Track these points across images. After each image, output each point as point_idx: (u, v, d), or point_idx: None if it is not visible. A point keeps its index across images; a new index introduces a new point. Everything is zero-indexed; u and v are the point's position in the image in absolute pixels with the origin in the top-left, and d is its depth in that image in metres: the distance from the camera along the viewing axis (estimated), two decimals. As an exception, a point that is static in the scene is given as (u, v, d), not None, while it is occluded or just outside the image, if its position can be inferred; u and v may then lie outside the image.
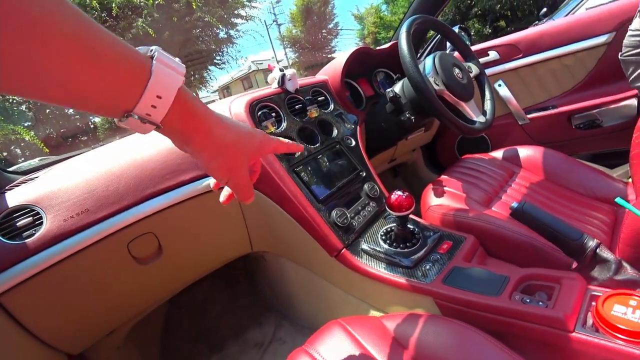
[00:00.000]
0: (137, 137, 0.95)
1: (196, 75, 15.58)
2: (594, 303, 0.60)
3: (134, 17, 11.82)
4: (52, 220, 0.71)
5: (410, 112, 1.09)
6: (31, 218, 0.71)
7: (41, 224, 0.71)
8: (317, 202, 0.86)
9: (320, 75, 1.25)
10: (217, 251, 0.99)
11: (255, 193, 0.88)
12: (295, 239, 0.90)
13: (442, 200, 1.07)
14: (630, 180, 1.14)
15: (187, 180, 0.84)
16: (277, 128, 0.94)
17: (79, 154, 1.05)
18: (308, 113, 1.03)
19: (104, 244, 0.74)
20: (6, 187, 0.81)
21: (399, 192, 0.76)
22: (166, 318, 1.30)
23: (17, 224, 0.70)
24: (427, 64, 1.03)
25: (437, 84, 0.99)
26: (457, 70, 1.06)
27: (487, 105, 1.16)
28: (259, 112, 0.92)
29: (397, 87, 1.15)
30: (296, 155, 0.92)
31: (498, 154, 1.34)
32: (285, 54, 26.36)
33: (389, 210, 0.77)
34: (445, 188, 1.12)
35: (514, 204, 0.74)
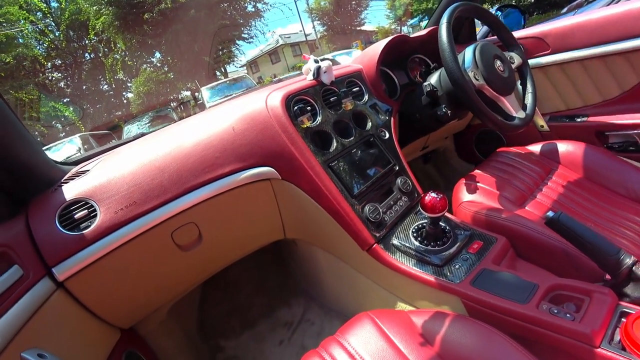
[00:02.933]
0: (176, 130, 1.00)
1: (224, 50, 15.60)
2: (623, 320, 0.60)
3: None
4: (104, 212, 0.78)
5: (446, 105, 1.07)
6: (87, 210, 0.78)
7: (95, 215, 0.78)
8: (350, 197, 0.88)
9: (355, 64, 1.24)
10: (252, 238, 1.05)
11: (291, 186, 0.92)
12: (327, 231, 0.93)
13: (475, 197, 1.06)
14: None
15: (225, 173, 0.88)
16: (313, 122, 0.95)
17: (121, 144, 1.12)
18: (343, 105, 1.04)
19: (150, 233, 0.81)
20: (62, 180, 0.88)
21: (433, 194, 0.76)
22: (202, 296, 1.39)
23: (75, 216, 0.77)
24: (467, 56, 0.99)
25: (476, 79, 0.96)
26: (498, 63, 1.03)
27: (529, 99, 1.11)
28: (295, 107, 0.94)
29: (434, 79, 1.13)
30: (331, 150, 0.94)
31: (535, 148, 1.29)
32: (314, 26, 25.79)
33: (422, 210, 0.78)
34: (478, 184, 1.11)
35: (550, 214, 0.73)
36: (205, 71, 15.80)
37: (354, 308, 1.09)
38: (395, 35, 1.17)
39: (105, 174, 0.84)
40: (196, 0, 12.44)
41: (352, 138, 1.00)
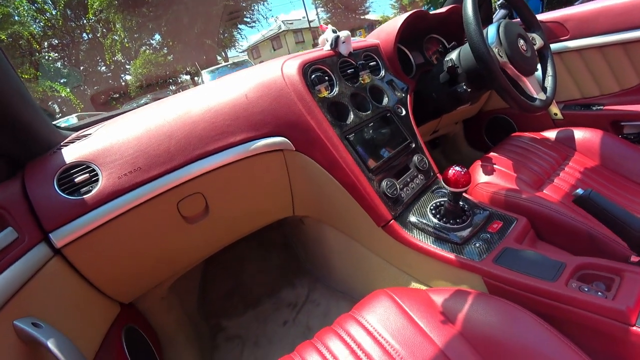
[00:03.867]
0: (185, 96, 0.95)
1: (225, 35, 15.36)
2: None
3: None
4: (107, 177, 0.73)
5: (466, 83, 1.03)
6: (88, 175, 0.73)
7: (97, 180, 0.73)
8: (367, 171, 0.85)
9: (372, 39, 1.19)
10: (260, 214, 1.01)
11: (305, 158, 0.88)
12: (341, 207, 0.90)
13: (491, 179, 1.03)
14: None
15: (236, 142, 0.84)
16: (330, 93, 0.91)
17: (126, 111, 1.07)
18: (360, 78, 0.99)
19: (155, 202, 0.76)
20: (61, 143, 0.83)
21: (458, 168, 0.73)
22: (204, 273, 1.36)
23: (75, 180, 0.73)
24: (491, 33, 0.95)
25: (500, 56, 0.92)
26: (522, 42, 0.98)
27: (549, 82, 1.08)
28: (312, 76, 0.89)
29: (453, 55, 1.08)
30: (348, 122, 0.90)
31: (551, 134, 1.26)
32: (317, 13, 25.46)
33: (444, 184, 0.75)
34: (495, 166, 1.08)
35: (580, 191, 0.70)
36: (206, 54, 15.55)
37: (362, 289, 1.07)
38: (414, 10, 1.12)
39: (108, 138, 0.79)
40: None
41: (369, 112, 0.96)
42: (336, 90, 0.93)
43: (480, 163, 1.10)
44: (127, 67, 17.54)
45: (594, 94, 1.39)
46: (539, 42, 1.09)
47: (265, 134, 0.86)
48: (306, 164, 0.88)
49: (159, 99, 1.12)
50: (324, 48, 1.01)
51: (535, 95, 0.99)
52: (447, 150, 1.95)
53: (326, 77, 0.92)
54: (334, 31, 0.98)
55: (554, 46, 1.33)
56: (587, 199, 0.69)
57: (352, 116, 0.92)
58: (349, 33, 0.98)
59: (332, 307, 1.12)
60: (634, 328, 0.54)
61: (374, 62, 1.10)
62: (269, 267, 1.38)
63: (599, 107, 1.37)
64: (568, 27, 1.31)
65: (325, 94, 0.89)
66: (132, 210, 0.74)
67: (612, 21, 1.22)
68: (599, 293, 0.60)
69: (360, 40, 1.18)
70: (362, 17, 26.16)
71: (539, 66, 1.12)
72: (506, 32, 0.95)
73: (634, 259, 0.71)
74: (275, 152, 0.87)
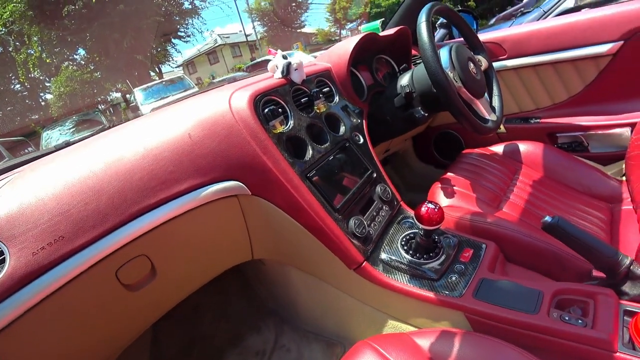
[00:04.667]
0: (114, 138, 0.81)
1: (159, 49, 14.63)
2: (627, 318, 0.61)
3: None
4: (17, 255, 0.58)
5: (422, 107, 1.02)
6: None
7: (3, 261, 0.57)
8: (333, 212, 0.78)
9: (322, 62, 1.14)
10: (214, 263, 0.90)
11: (263, 203, 0.79)
12: (307, 251, 0.83)
13: (453, 201, 1.03)
14: (624, 178, 1.15)
15: (182, 191, 0.72)
16: (285, 127, 0.83)
17: (38, 156, 0.88)
18: (315, 107, 0.93)
19: (86, 276, 0.62)
20: None
21: (430, 205, 0.70)
22: (154, 330, 1.19)
23: None
24: (444, 57, 0.95)
25: (455, 80, 0.92)
26: (472, 65, 1.00)
27: (496, 102, 1.11)
28: (265, 109, 0.81)
29: (405, 80, 1.08)
30: (307, 158, 0.83)
31: (498, 149, 1.32)
32: (254, 27, 25.37)
33: (417, 223, 0.71)
34: (454, 187, 1.08)
35: (548, 219, 0.71)
36: (138, 70, 14.62)
37: (334, 329, 1.00)
38: (365, 33, 1.10)
39: (16, 201, 0.63)
40: (125, -7, 11.43)
41: (327, 144, 0.90)
42: (291, 123, 0.85)
43: (439, 185, 1.10)
44: (47, 84, 15.92)
45: (530, 108, 1.50)
46: (484, 63, 1.12)
47: (215, 178, 0.75)
48: (265, 208, 0.80)
49: (87, 120, 0.95)
50: (275, 75, 0.93)
51: (487, 117, 1.01)
52: (398, 166, 1.97)
53: (279, 109, 0.84)
54: (284, 57, 0.92)
55: (494, 65, 1.39)
56: (556, 226, 0.69)
57: (310, 151, 0.85)
58: (301, 60, 0.92)
59: (304, 351, 1.03)
60: (618, 354, 0.55)
61: (327, 88, 1.05)
62: (229, 312, 1.25)
63: (536, 120, 1.47)
64: (505, 48, 1.41)
65: (280, 129, 0.81)
66: (56, 293, 0.59)
67: (543, 43, 1.33)
68: (579, 321, 0.61)
69: (310, 64, 1.13)
70: (298, 30, 26.58)
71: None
72: (458, 56, 0.96)
73: (595, 273, 0.76)
74: (228, 198, 0.78)
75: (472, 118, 0.91)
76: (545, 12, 3.27)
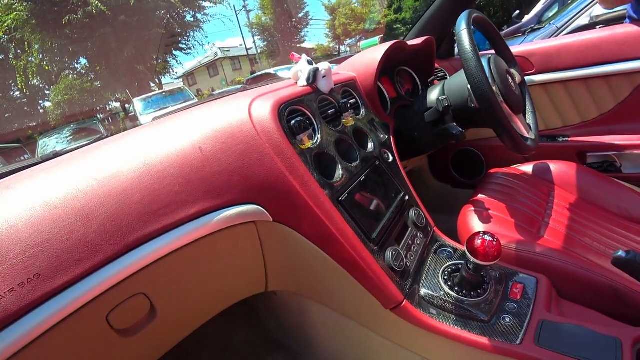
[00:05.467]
0: (110, 149, 0.69)
1: (159, 60, 14.66)
2: None
3: (89, -8, 10.82)
4: None
5: (458, 123, 0.93)
6: None
7: None
8: (369, 242, 0.67)
9: (346, 72, 1.05)
10: (223, 296, 0.78)
11: (286, 231, 0.68)
12: (335, 287, 0.71)
13: (490, 227, 0.93)
14: None
15: (190, 216, 0.60)
16: (313, 142, 0.73)
17: (15, 170, 0.74)
18: (343, 120, 0.84)
19: (67, 325, 0.49)
20: None
21: (487, 237, 0.60)
22: None
23: None
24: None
25: (498, 94, 0.84)
26: (510, 79, 0.92)
27: (531, 119, 1.03)
28: (291, 121, 0.70)
29: (437, 93, 0.99)
30: (337, 179, 0.72)
31: (527, 168, 1.23)
32: (254, 41, 25.66)
33: (470, 256, 0.61)
34: (489, 211, 0.98)
35: (621, 253, 0.61)
36: (138, 81, 14.60)
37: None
38: (395, 41, 1.01)
39: None
40: (128, 5, 11.46)
41: (357, 162, 0.79)
42: (319, 138, 0.74)
43: (472, 209, 1.00)
44: (47, 92, 15.83)
45: (557, 126, 1.42)
46: (518, 77, 1.04)
47: (230, 201, 0.64)
48: (288, 237, 0.68)
49: (85, 128, 0.81)
50: (299, 83, 0.84)
51: (526, 135, 0.93)
52: (414, 183, 1.87)
53: (307, 122, 0.74)
54: (309, 62, 0.82)
55: None
56: (633, 262, 0.59)
57: (340, 170, 0.74)
58: (329, 65, 0.83)
59: (320, 393, 0.91)
60: None
61: (354, 100, 0.96)
62: (234, 343, 1.12)
63: (564, 139, 1.39)
64: (533, 62, 1.34)
65: (308, 144, 0.70)
66: (29, 347, 0.46)
67: (574, 57, 1.27)
68: None
69: (334, 73, 1.04)
70: (298, 45, 26.88)
71: None
72: (497, 68, 0.87)
73: None
74: (244, 225, 0.66)
75: (516, 135, 0.82)
76: (559, 29, 3.23)
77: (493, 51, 1.11)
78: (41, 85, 15.36)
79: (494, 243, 0.59)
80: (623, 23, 1.28)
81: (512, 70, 1.04)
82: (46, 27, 11.82)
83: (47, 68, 13.61)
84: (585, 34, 1.30)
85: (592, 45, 1.25)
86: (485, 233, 0.61)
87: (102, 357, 0.57)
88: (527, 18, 6.01)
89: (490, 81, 0.85)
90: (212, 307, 0.78)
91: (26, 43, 12.23)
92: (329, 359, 0.95)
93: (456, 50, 1.61)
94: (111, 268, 0.52)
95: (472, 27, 1.02)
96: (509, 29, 5.97)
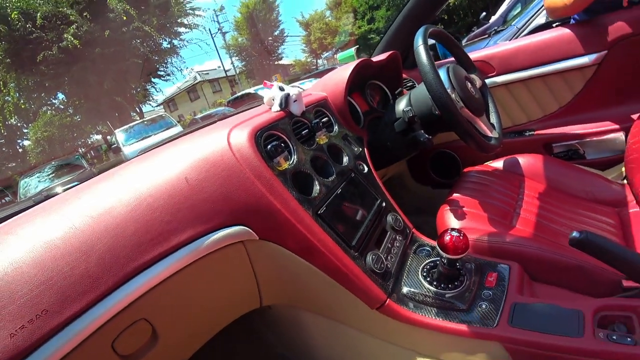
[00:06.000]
0: (100, 186, 0.74)
1: (139, 90, 14.65)
2: None
3: (64, 27, 10.80)
4: None
5: (424, 130, 1.00)
6: None
7: None
8: (349, 249, 0.73)
9: (316, 92, 1.12)
10: (221, 315, 0.82)
11: (272, 247, 0.73)
12: (323, 294, 0.76)
13: (465, 223, 0.99)
14: (625, 181, 1.15)
15: (182, 242, 0.65)
16: (290, 162, 0.79)
17: (10, 215, 0.79)
18: (317, 139, 0.90)
19: (77, 354, 0.53)
20: None
21: (454, 233, 0.66)
22: None
23: None
24: (443, 78, 0.95)
25: (457, 101, 0.91)
26: (469, 84, 1.00)
27: (494, 119, 1.11)
28: (268, 146, 0.77)
29: (404, 104, 1.06)
30: (315, 194, 0.78)
31: (498, 164, 1.31)
32: (232, 62, 25.91)
33: (441, 252, 0.67)
34: (464, 208, 1.05)
35: (575, 234, 0.67)
36: (119, 112, 14.54)
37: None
38: (361, 59, 1.09)
39: None
40: (103, 37, 11.50)
41: (333, 177, 0.86)
42: (295, 158, 0.81)
43: (448, 208, 1.07)
44: (25, 130, 15.64)
45: (523, 121, 1.52)
46: (478, 82, 1.12)
47: (218, 225, 0.69)
48: (275, 253, 0.73)
49: (68, 165, 0.85)
50: (272, 109, 0.90)
51: (490, 135, 1.00)
52: (395, 189, 1.94)
53: (282, 144, 0.80)
54: (281, 88, 0.89)
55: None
56: (586, 241, 0.66)
57: (317, 186, 0.80)
58: (300, 90, 0.89)
59: (322, 401, 0.95)
60: None
61: (326, 118, 1.02)
62: (233, 358, 1.15)
63: (530, 133, 1.48)
64: (494, 65, 1.44)
65: (285, 165, 0.76)
66: None
67: (530, 57, 1.37)
68: (628, 339, 0.57)
69: (306, 95, 1.11)
70: (276, 62, 27.23)
71: None
72: (456, 77, 0.95)
73: (625, 283, 0.73)
74: (233, 245, 0.71)
75: (478, 137, 0.89)
76: (519, 29, 3.41)
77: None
78: (19, 124, 15.16)
79: (461, 238, 0.65)
80: (571, 22, 1.39)
81: (472, 76, 1.12)
82: (21, 65, 11.73)
83: (24, 106, 13.46)
84: (538, 35, 1.41)
85: (545, 45, 1.36)
86: (453, 229, 0.67)
87: None
88: (493, 19, 6.26)
89: (449, 89, 0.92)
90: (211, 326, 0.82)
91: (1, 82, 12.11)
92: None
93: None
94: (113, 297, 0.56)
95: (433, 40, 1.10)
96: (477, 31, 6.20)
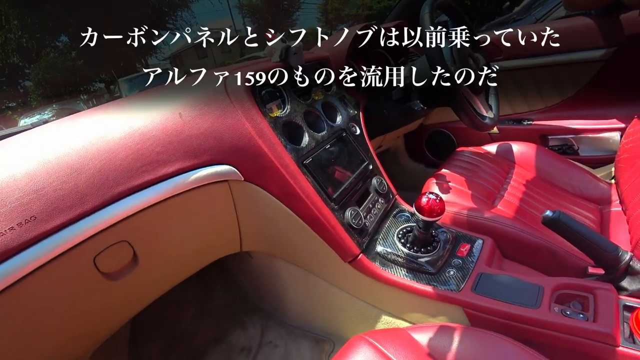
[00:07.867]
0: (97, 115, 0.75)
1: (146, 41, 14.26)
2: (626, 313, 0.61)
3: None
4: None
5: (420, 101, 1.00)
6: None
7: None
8: (330, 201, 0.75)
9: (320, 51, 1.11)
10: (200, 254, 0.85)
11: (255, 189, 0.75)
12: (300, 242, 0.79)
13: (449, 197, 1.01)
14: (613, 181, 1.17)
15: (169, 173, 0.67)
16: (282, 111, 0.80)
17: (11, 133, 0.81)
18: (313, 94, 0.90)
19: (60, 262, 0.56)
20: None
21: (431, 196, 0.68)
22: (132, 328, 1.13)
23: None
24: (446, 53, 0.94)
25: (456, 73, 0.91)
26: (471, 62, 0.99)
27: (493, 100, 1.11)
28: (262, 92, 0.77)
29: (403, 73, 1.05)
30: (304, 145, 0.79)
31: (491, 148, 1.32)
32: (244, 23, 25.11)
33: (417, 213, 0.69)
34: (449, 183, 1.06)
35: (548, 213, 0.69)
36: (123, 61, 14.22)
37: (323, 325, 0.97)
38: (365, 24, 1.07)
39: None
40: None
41: (324, 132, 0.87)
42: (288, 108, 0.81)
43: (434, 181, 1.08)
44: (27, 70, 15.31)
45: (523, 110, 1.51)
46: (481, 62, 1.11)
47: (206, 162, 0.70)
48: (257, 196, 0.75)
49: (68, 109, 0.87)
50: (272, 59, 0.89)
51: (485, 114, 1.00)
52: (389, 164, 1.95)
53: (277, 93, 0.80)
54: (282, 40, 0.88)
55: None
56: (557, 220, 0.68)
57: (307, 138, 0.81)
58: (301, 43, 0.88)
59: (291, 348, 1.00)
60: (620, 349, 0.55)
61: (325, 77, 1.02)
62: (212, 308, 1.20)
63: (528, 122, 1.48)
64: (502, 48, 1.41)
65: (277, 113, 0.77)
66: (26, 279, 0.52)
67: (538, 45, 1.33)
68: (580, 315, 0.61)
69: (308, 52, 1.10)
70: (289, 28, 26.46)
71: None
72: (459, 52, 0.94)
73: (591, 270, 0.76)
74: (219, 183, 0.73)
75: (472, 113, 0.90)
76: (537, 20, 3.30)
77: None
78: (20, 64, 14.84)
79: (437, 201, 0.67)
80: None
81: (476, 54, 1.10)
82: (25, 2, 11.35)
83: (26, 45, 13.12)
84: (550, 24, 1.37)
85: (555, 34, 1.32)
86: (431, 193, 0.69)
87: (89, 297, 0.64)
88: (516, 9, 6.05)
89: (450, 62, 0.91)
90: (191, 264, 0.85)
91: (3, 17, 11.73)
92: (298, 317, 1.03)
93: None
94: (98, 215, 0.59)
95: (441, 11, 1.08)
96: (497, 20, 6.01)
